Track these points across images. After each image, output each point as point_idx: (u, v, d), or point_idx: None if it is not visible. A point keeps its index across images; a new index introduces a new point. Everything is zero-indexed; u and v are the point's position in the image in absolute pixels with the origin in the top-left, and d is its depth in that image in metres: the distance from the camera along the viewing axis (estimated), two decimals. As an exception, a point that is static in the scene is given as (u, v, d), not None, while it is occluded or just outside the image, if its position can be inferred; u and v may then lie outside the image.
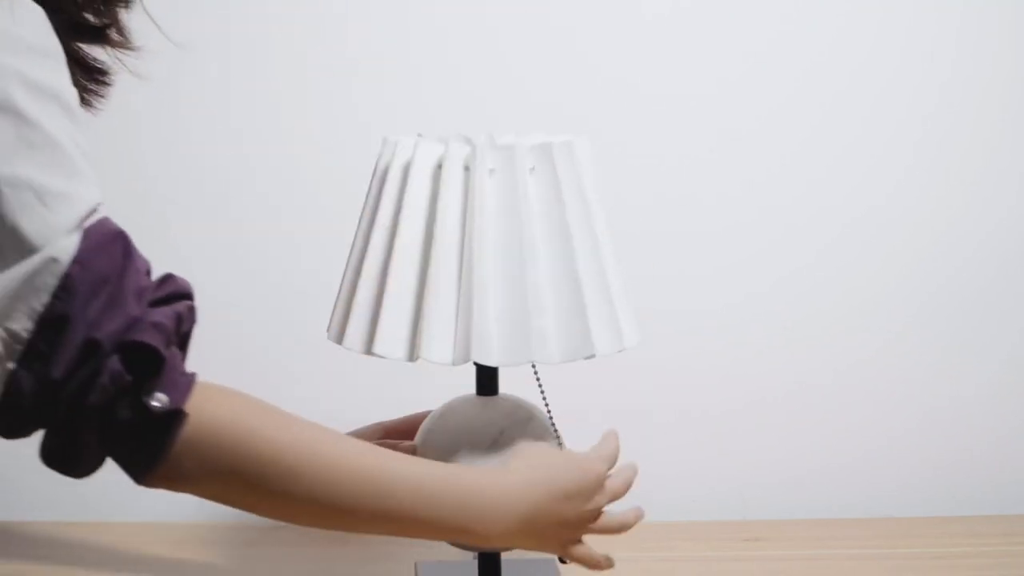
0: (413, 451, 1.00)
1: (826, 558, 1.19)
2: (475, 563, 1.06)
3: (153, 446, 0.76)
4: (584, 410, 1.29)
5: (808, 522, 1.30)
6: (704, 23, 1.29)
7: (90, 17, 0.85)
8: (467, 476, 0.88)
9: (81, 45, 0.85)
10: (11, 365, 0.72)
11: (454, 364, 0.92)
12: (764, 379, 1.33)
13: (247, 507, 0.82)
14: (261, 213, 1.30)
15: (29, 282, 0.71)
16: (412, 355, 0.92)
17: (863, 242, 1.32)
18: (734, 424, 1.33)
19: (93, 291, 0.72)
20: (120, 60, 0.88)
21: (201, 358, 1.29)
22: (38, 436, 0.76)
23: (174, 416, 0.76)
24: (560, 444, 1.01)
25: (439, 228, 0.92)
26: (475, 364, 0.98)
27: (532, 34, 1.28)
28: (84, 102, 0.85)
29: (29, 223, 0.71)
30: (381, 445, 1.03)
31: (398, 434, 1.06)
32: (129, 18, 0.87)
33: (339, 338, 0.96)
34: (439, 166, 0.94)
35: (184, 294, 0.80)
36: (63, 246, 0.72)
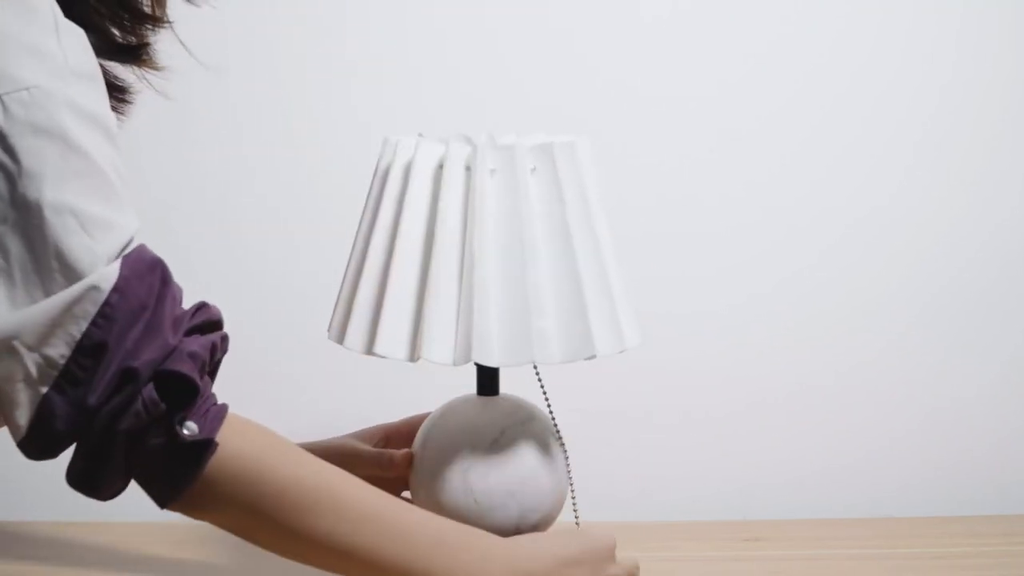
0: (410, 460, 1.00)
1: (826, 558, 1.19)
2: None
3: (181, 474, 0.77)
4: (585, 411, 1.30)
5: (808, 522, 1.30)
6: (704, 25, 1.29)
7: (119, 36, 0.85)
8: (480, 532, 0.88)
9: (106, 63, 0.85)
10: (43, 389, 0.73)
11: (455, 364, 0.92)
12: (765, 379, 1.33)
13: (267, 543, 0.82)
14: (261, 214, 1.30)
15: (69, 310, 0.72)
16: (413, 355, 0.92)
17: (864, 243, 1.32)
18: (735, 424, 1.33)
19: (131, 319, 0.73)
20: (146, 79, 0.88)
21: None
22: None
23: (204, 446, 0.76)
24: (562, 445, 1.01)
25: (440, 228, 0.92)
26: (476, 364, 0.98)
27: (532, 35, 1.28)
28: None
29: (72, 250, 0.72)
30: (381, 449, 1.04)
31: (400, 436, 1.06)
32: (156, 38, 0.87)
33: (340, 338, 0.96)
34: (440, 166, 0.94)
35: (217, 322, 0.81)
36: (104, 274, 0.73)
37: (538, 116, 1.26)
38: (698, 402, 1.33)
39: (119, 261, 0.74)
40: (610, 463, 1.31)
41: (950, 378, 1.34)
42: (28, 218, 0.71)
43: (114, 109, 0.86)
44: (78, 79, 0.74)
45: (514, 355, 0.91)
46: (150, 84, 0.89)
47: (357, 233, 0.98)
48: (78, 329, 0.72)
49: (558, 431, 1.01)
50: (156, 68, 0.89)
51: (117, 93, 0.88)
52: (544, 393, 1.02)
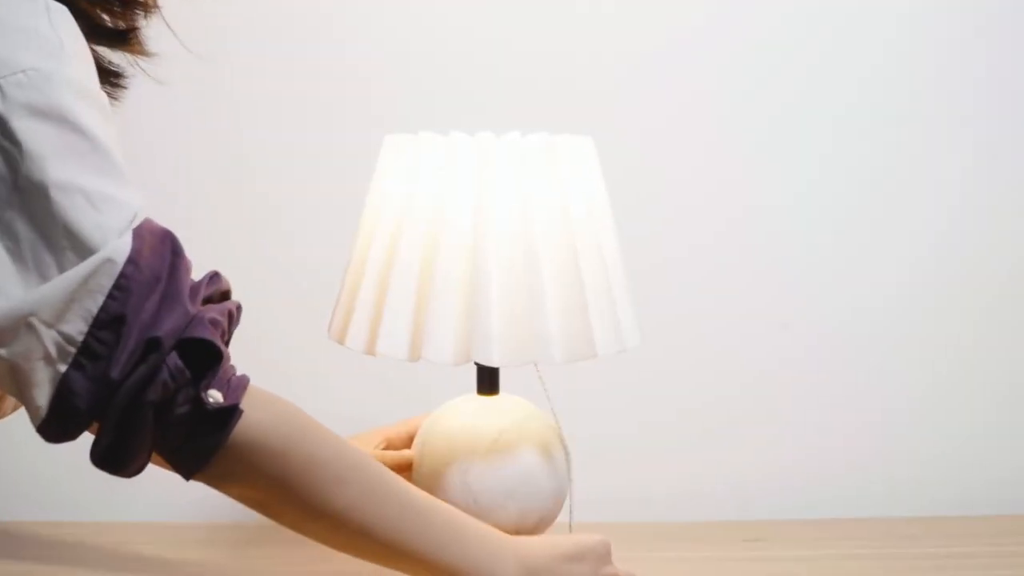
0: (410, 463, 1.00)
1: (826, 558, 1.19)
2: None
3: (208, 442, 0.77)
4: (585, 410, 1.29)
5: (808, 522, 1.30)
6: (706, 25, 1.29)
7: (108, 20, 0.85)
8: (496, 530, 0.89)
9: (97, 48, 0.85)
10: (62, 368, 0.73)
11: (455, 364, 0.92)
12: (766, 379, 1.33)
13: (290, 516, 0.83)
14: (262, 213, 1.30)
15: (84, 284, 0.72)
16: (413, 355, 0.92)
17: (865, 243, 1.32)
18: (735, 425, 1.33)
19: (147, 290, 0.74)
20: (138, 65, 0.89)
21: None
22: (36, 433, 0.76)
23: (230, 412, 0.77)
24: (563, 445, 1.01)
25: (441, 228, 0.92)
26: (476, 364, 0.98)
27: (536, 33, 1.28)
28: None
29: (82, 226, 0.73)
30: (383, 451, 1.04)
31: (399, 440, 1.07)
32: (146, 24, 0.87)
33: (341, 337, 0.96)
34: (442, 166, 0.94)
35: (228, 291, 0.82)
36: (117, 247, 0.73)
37: (542, 114, 1.26)
38: (698, 402, 1.33)
39: (130, 233, 0.74)
40: (610, 463, 1.31)
41: (950, 378, 1.34)
42: (35, 199, 0.72)
43: (109, 95, 0.87)
44: (71, 59, 0.74)
45: (514, 355, 0.91)
46: (143, 70, 0.89)
47: (358, 232, 0.98)
48: (95, 303, 0.72)
49: (560, 430, 1.01)
50: (145, 54, 0.89)
51: (111, 78, 0.88)
52: (547, 393, 1.02)
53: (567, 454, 1.02)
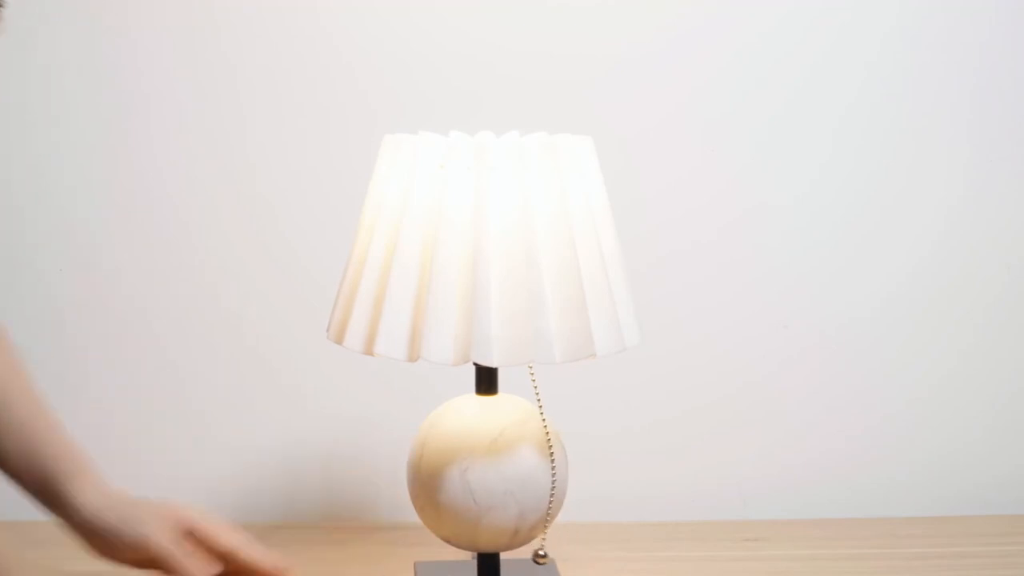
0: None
1: (826, 558, 1.19)
2: (474, 563, 1.06)
3: None
4: (585, 410, 1.30)
5: (808, 522, 1.29)
6: (708, 24, 1.29)
7: None
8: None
9: None
10: None
11: (454, 364, 0.92)
12: (765, 379, 1.33)
13: None
14: (261, 213, 1.30)
15: None
16: (412, 355, 0.92)
17: (865, 243, 1.32)
18: (735, 425, 1.33)
19: None
20: None
21: (202, 357, 1.30)
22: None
23: None
24: (559, 445, 1.01)
25: (440, 228, 0.92)
26: (475, 364, 0.98)
27: (536, 33, 1.28)
28: None
29: None
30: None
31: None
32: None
33: (339, 338, 0.96)
34: (441, 165, 0.93)
35: None
36: None
37: (542, 114, 1.26)
38: (698, 402, 1.33)
39: None
40: (610, 463, 1.31)
41: (950, 378, 1.34)
42: None
43: None
44: None
45: (514, 355, 0.91)
46: None
47: (357, 232, 0.98)
48: None
49: (548, 432, 1.00)
50: None
51: None
52: (537, 395, 1.02)
53: (564, 455, 1.02)
